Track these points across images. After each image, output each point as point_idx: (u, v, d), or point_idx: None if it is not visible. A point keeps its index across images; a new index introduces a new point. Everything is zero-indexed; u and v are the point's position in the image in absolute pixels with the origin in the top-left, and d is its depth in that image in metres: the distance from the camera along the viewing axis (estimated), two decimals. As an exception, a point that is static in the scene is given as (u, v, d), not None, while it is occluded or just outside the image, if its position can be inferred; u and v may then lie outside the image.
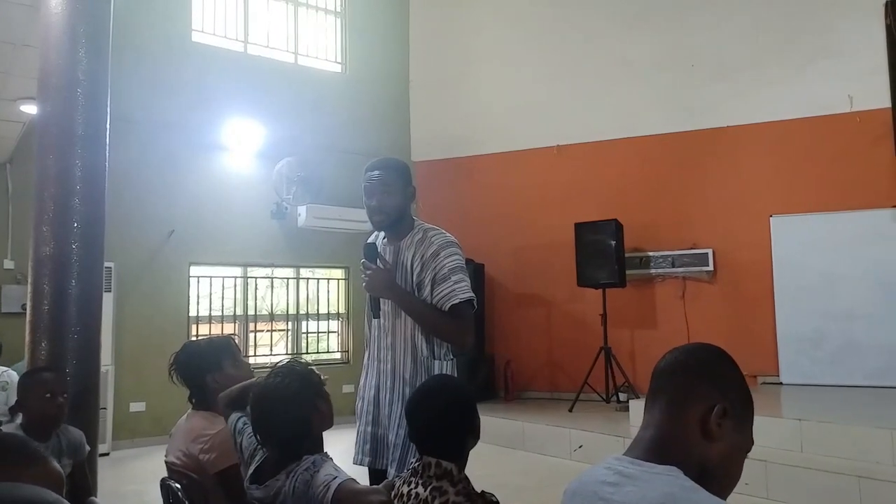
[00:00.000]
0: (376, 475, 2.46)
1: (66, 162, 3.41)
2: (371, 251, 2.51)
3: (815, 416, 5.02)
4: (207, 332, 7.50)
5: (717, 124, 7.51)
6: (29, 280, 3.44)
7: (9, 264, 6.76)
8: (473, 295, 2.43)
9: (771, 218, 7.05)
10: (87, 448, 2.89)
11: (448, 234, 2.52)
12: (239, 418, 2.07)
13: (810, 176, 7.04)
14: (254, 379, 2.05)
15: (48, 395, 2.70)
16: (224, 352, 2.46)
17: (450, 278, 2.40)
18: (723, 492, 1.14)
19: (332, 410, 1.90)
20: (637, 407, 6.01)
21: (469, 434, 1.86)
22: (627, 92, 7.98)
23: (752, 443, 1.20)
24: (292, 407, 1.78)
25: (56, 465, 1.14)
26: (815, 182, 7.01)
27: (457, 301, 2.38)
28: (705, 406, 1.14)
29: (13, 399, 4.49)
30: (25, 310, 3.47)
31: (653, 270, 7.67)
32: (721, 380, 1.18)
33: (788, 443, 4.77)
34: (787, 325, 6.90)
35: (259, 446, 1.89)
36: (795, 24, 7.26)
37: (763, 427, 5.17)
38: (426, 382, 2.16)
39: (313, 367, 1.93)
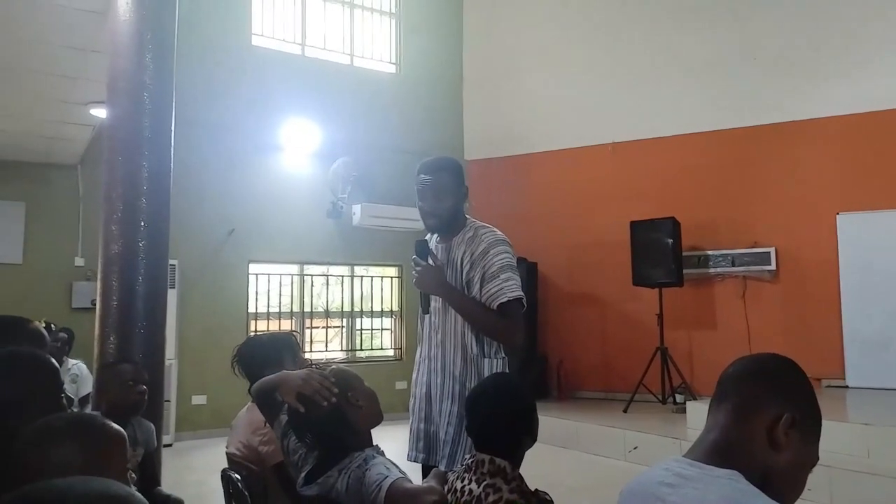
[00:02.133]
0: (429, 472, 2.48)
1: (134, 163, 3.55)
2: (422, 248, 2.52)
3: (883, 420, 4.82)
4: (266, 328, 7.67)
5: (778, 119, 7.27)
6: (98, 277, 3.58)
7: (79, 262, 7.06)
8: (522, 294, 2.42)
9: (838, 216, 6.78)
10: (158, 440, 3.00)
11: (499, 232, 2.51)
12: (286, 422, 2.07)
13: (878, 172, 6.75)
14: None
15: (130, 382, 2.82)
16: (285, 348, 2.51)
17: (498, 276, 2.39)
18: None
19: (377, 407, 1.89)
20: (694, 408, 5.88)
21: (526, 435, 1.86)
22: (683, 87, 7.80)
23: (818, 459, 1.18)
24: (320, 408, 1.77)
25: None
26: (884, 178, 6.71)
27: (505, 299, 2.37)
28: (774, 414, 1.13)
29: (83, 391, 4.72)
30: (95, 305, 3.61)
31: (711, 270, 7.48)
32: (792, 391, 1.17)
33: (854, 448, 4.60)
34: (854, 327, 6.64)
35: (304, 450, 1.89)
36: (859, 15, 6.96)
37: (828, 431, 4.95)
38: (488, 378, 2.17)
39: (347, 367, 1.92)
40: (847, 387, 6.58)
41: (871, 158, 6.80)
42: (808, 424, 1.15)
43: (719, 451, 1.13)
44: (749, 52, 7.50)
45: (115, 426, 1.27)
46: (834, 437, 4.70)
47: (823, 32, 7.14)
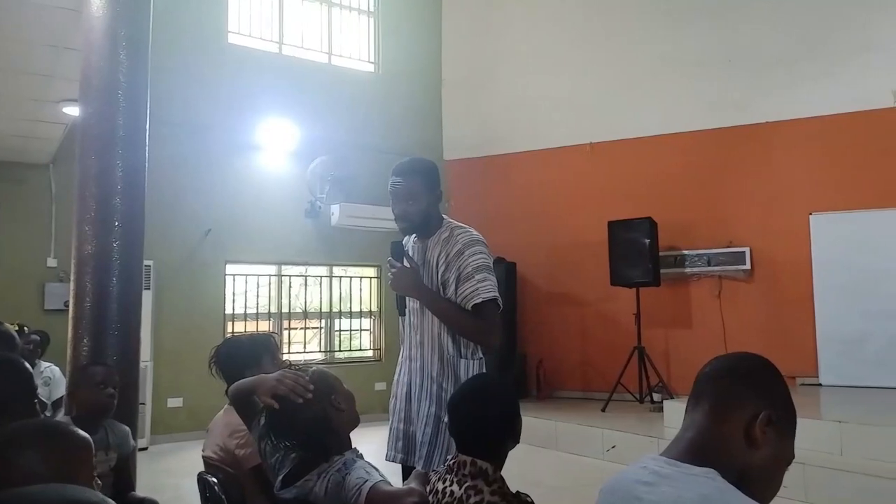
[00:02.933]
0: (409, 472, 2.47)
1: (108, 162, 3.50)
2: (397, 249, 2.51)
3: (856, 418, 4.90)
4: (243, 330, 7.61)
5: (753, 121, 7.37)
6: (71, 278, 3.53)
7: (52, 262, 6.94)
8: (497, 294, 2.40)
9: (811, 216, 6.89)
10: (133, 444, 2.96)
11: (475, 233, 2.50)
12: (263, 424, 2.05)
13: (851, 173, 6.87)
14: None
15: (100, 385, 2.80)
16: (264, 349, 2.49)
17: (473, 277, 2.38)
18: (761, 502, 1.13)
19: (356, 410, 1.88)
20: (671, 407, 5.94)
21: (509, 436, 1.85)
22: (661, 89, 7.87)
23: (793, 456, 1.19)
24: (306, 406, 1.75)
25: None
26: (857, 179, 6.83)
27: (479, 300, 2.36)
28: (751, 413, 1.14)
29: (56, 394, 4.64)
30: (68, 307, 3.56)
31: (688, 269, 7.56)
32: (767, 389, 1.19)
33: (828, 445, 4.67)
34: (828, 326, 6.74)
35: (282, 452, 1.86)
36: (836, 18, 7.08)
37: (802, 429, 5.04)
38: (472, 380, 2.16)
39: (327, 369, 1.91)
40: (820, 384, 6.69)
41: (843, 159, 6.92)
42: (784, 422, 1.17)
43: (696, 450, 1.13)
44: (724, 54, 7.58)
45: (82, 433, 1.25)
46: (808, 434, 4.76)
47: (798, 36, 7.25)
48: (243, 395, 1.96)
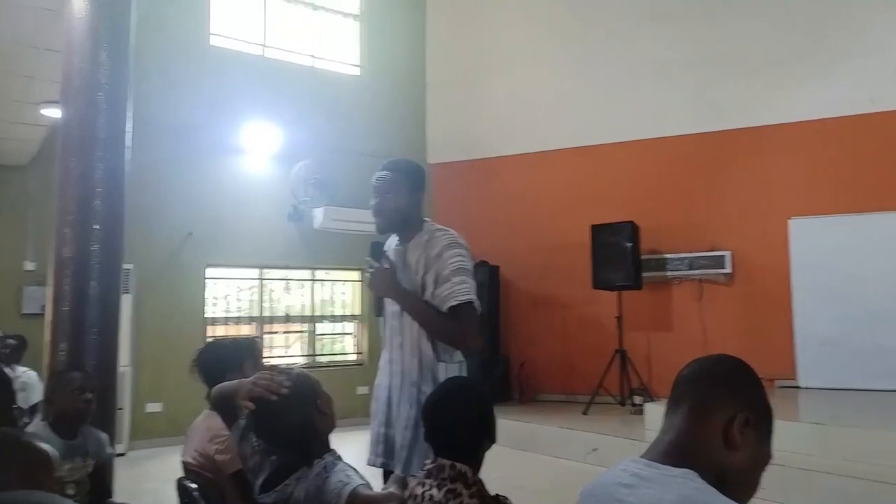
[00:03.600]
0: (390, 476, 2.46)
1: (88, 164, 3.46)
2: (376, 250, 2.51)
3: (835, 420, 4.97)
4: (224, 334, 7.55)
5: (736, 126, 7.45)
6: (50, 281, 3.48)
7: (30, 266, 6.85)
8: (474, 297, 2.40)
9: (790, 220, 6.98)
10: (111, 450, 2.93)
11: (455, 235, 2.50)
12: (244, 426, 2.03)
13: (830, 178, 6.96)
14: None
15: (77, 390, 2.77)
16: (247, 353, 2.48)
17: (451, 279, 2.37)
18: (740, 503, 1.14)
19: (334, 413, 1.87)
20: (652, 410, 5.97)
21: (485, 437, 1.86)
22: (642, 94, 7.94)
23: (771, 457, 1.21)
24: (294, 410, 1.75)
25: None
26: (836, 184, 6.93)
27: (455, 302, 2.35)
28: (729, 415, 1.15)
29: (32, 399, 4.58)
30: (45, 311, 3.51)
31: (669, 273, 7.62)
32: (745, 391, 1.20)
33: (807, 447, 4.71)
34: (806, 328, 6.83)
35: (259, 456, 1.85)
36: (819, 24, 7.18)
37: (781, 431, 5.09)
38: (444, 384, 2.16)
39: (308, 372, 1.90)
40: (798, 387, 6.76)
41: (822, 165, 7.02)
42: (762, 423, 1.18)
43: (676, 452, 1.14)
44: (705, 59, 7.66)
45: (42, 446, 1.23)
46: (787, 436, 4.80)
47: (777, 43, 7.35)
48: (225, 398, 1.94)
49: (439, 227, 2.55)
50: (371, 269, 2.48)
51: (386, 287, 2.47)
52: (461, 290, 2.37)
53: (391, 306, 2.53)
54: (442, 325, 2.40)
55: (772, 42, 7.38)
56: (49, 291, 3.47)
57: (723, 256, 7.34)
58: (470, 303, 2.38)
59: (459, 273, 2.39)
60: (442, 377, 2.39)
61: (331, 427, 1.85)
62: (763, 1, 7.50)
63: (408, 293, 2.44)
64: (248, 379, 1.85)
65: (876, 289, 6.54)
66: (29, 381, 4.75)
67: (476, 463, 1.83)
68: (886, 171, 6.70)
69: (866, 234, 6.65)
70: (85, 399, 2.78)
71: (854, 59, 6.91)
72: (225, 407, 1.97)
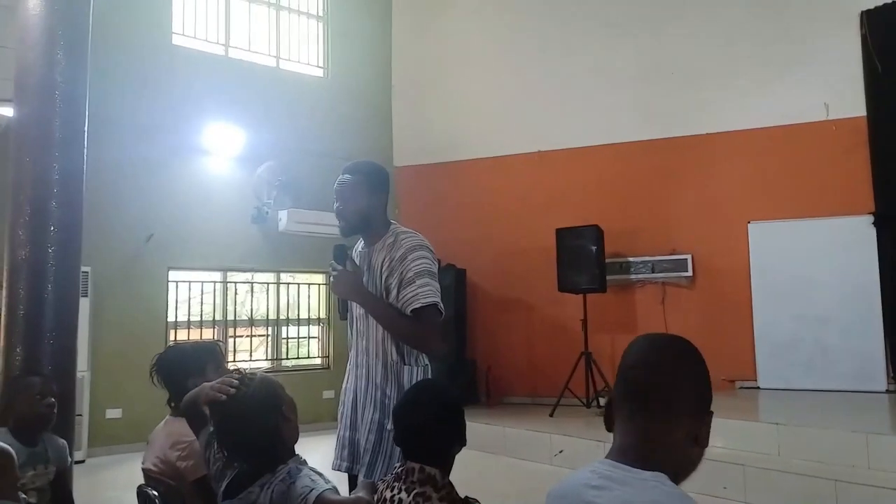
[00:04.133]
0: (355, 481, 2.44)
1: (44, 165, 3.38)
2: (340, 253, 2.50)
3: (792, 420, 5.07)
4: (186, 338, 7.41)
5: (696, 132, 7.60)
6: (4, 284, 3.39)
7: (-18, 268, 6.64)
8: (438, 300, 2.38)
9: (749, 224, 7.13)
10: (70, 458, 2.88)
11: (420, 237, 2.48)
12: (210, 432, 2.00)
13: (787, 183, 7.14)
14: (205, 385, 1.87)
15: (38, 395, 2.73)
16: (209, 357, 2.43)
17: (415, 281, 2.36)
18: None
19: (297, 418, 1.84)
20: (617, 412, 6.02)
21: (456, 440, 1.85)
22: (607, 99, 8.04)
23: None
24: (259, 417, 1.71)
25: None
26: (792, 189, 7.11)
27: (419, 305, 2.34)
28: (695, 414, 1.15)
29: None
30: (0, 315, 3.41)
31: (633, 276, 7.72)
32: (700, 381, 1.19)
33: (766, 447, 4.81)
34: (764, 331, 6.98)
35: (222, 462, 1.81)
36: (771, 33, 7.37)
37: (741, 431, 5.23)
38: (415, 386, 2.15)
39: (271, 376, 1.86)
40: (759, 388, 6.91)
41: (779, 170, 7.19)
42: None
43: (643, 453, 1.14)
44: (668, 67, 7.80)
45: (2, 445, 1.20)
46: (747, 436, 4.91)
47: (736, 50, 7.51)
48: (193, 404, 1.92)
49: (405, 229, 2.53)
50: (334, 272, 2.46)
51: (348, 290, 2.46)
52: (424, 292, 2.35)
53: (357, 310, 2.52)
54: (405, 329, 2.38)
55: (726, 51, 7.54)
56: (3, 295, 3.37)
57: (684, 260, 7.46)
58: (433, 305, 2.37)
59: (423, 276, 2.37)
60: (406, 381, 2.37)
61: (295, 433, 1.82)
62: (712, 12, 7.65)
63: (370, 296, 2.42)
64: (209, 383, 1.82)
65: (830, 292, 6.72)
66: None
67: (446, 466, 1.82)
68: (840, 176, 6.90)
69: (821, 239, 6.84)
70: (47, 404, 2.74)
71: (809, 66, 7.10)
72: (194, 413, 1.94)
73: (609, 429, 1.23)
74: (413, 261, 2.39)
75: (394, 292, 2.39)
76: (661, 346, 1.23)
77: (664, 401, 1.16)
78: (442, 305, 2.41)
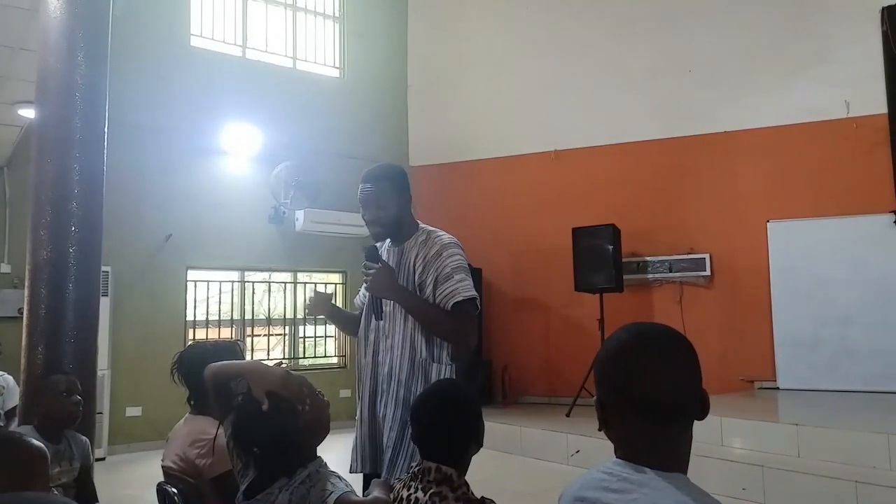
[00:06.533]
0: (369, 480, 2.44)
1: (64, 166, 3.41)
2: (372, 253, 2.50)
3: (812, 421, 5.02)
4: (205, 337, 7.48)
5: (714, 130, 7.53)
6: (26, 284, 3.43)
7: (5, 268, 6.73)
8: (476, 294, 2.43)
9: (768, 224, 7.06)
10: (92, 455, 2.92)
11: (451, 236, 2.53)
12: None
13: (807, 182, 7.05)
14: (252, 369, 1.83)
15: (64, 393, 2.77)
16: (230, 355, 2.44)
17: (452, 277, 2.40)
18: None
19: (324, 416, 1.82)
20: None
21: (473, 440, 1.85)
22: (624, 97, 8.00)
23: None
24: (265, 426, 1.70)
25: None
26: (812, 188, 7.02)
27: (459, 299, 2.37)
28: (695, 414, 1.14)
29: (9, 404, 4.50)
30: (22, 314, 3.46)
31: (650, 275, 7.67)
32: (698, 375, 1.16)
33: (785, 448, 4.76)
34: (784, 331, 6.91)
35: (243, 461, 1.80)
36: (791, 30, 7.29)
37: (760, 432, 5.18)
38: (434, 385, 2.14)
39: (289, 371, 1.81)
40: (778, 388, 6.84)
41: (800, 168, 7.11)
42: None
43: (657, 452, 1.12)
44: (686, 64, 7.74)
45: (36, 443, 1.22)
46: (766, 437, 4.87)
47: (755, 47, 7.44)
48: (225, 379, 1.85)
49: (434, 228, 2.58)
50: (370, 271, 2.46)
51: (387, 287, 2.44)
52: (464, 286, 2.39)
53: (385, 307, 2.51)
54: (446, 323, 2.41)
55: (746, 48, 7.47)
56: (25, 294, 3.42)
57: (703, 259, 7.40)
58: (473, 300, 2.41)
59: (460, 271, 2.42)
60: (433, 378, 2.38)
61: (318, 433, 1.81)
62: (731, 8, 7.58)
63: (408, 292, 2.44)
64: (270, 368, 1.78)
65: (851, 291, 6.63)
66: (6, 385, 4.65)
67: (463, 466, 1.82)
68: (861, 174, 6.81)
69: (842, 238, 6.75)
70: (73, 401, 2.79)
71: (830, 64, 7.01)
72: (221, 389, 1.87)
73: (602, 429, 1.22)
74: (448, 257, 2.43)
75: (428, 289, 2.41)
76: (654, 344, 1.21)
77: (668, 400, 1.13)
78: (479, 300, 2.45)
